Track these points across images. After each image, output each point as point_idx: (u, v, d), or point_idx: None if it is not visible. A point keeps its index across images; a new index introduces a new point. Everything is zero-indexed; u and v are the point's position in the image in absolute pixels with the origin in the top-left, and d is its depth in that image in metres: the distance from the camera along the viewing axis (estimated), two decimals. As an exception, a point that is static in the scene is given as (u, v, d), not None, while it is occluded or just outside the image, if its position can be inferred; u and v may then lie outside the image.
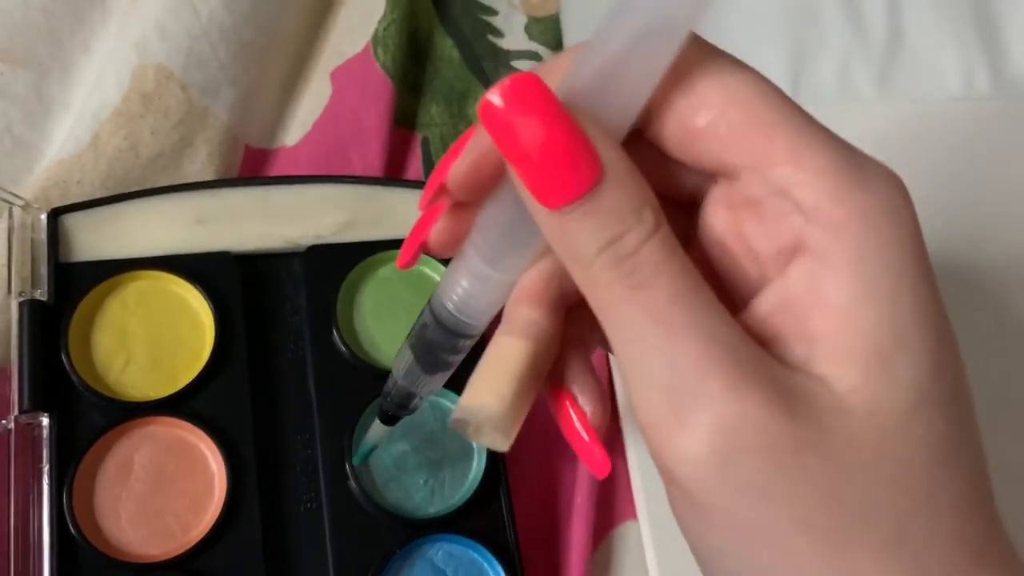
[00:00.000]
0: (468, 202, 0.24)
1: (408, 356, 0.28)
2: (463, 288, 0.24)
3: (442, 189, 0.23)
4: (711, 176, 0.22)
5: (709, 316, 0.20)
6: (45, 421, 0.34)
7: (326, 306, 0.38)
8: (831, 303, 0.20)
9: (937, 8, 0.54)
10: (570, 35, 0.49)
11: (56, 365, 0.34)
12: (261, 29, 0.44)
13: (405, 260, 0.26)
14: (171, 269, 0.37)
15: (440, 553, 0.35)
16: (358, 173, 0.43)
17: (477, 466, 0.37)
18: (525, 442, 0.38)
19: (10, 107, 0.41)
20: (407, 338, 0.28)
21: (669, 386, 0.20)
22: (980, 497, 0.20)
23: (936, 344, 0.20)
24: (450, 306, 0.25)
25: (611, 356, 0.42)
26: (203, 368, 0.36)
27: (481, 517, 0.36)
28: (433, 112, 0.47)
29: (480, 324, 0.25)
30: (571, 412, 0.25)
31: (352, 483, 0.35)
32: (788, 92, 0.55)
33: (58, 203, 0.37)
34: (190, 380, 0.35)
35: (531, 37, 0.50)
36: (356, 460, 0.35)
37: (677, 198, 0.23)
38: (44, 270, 0.36)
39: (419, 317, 0.27)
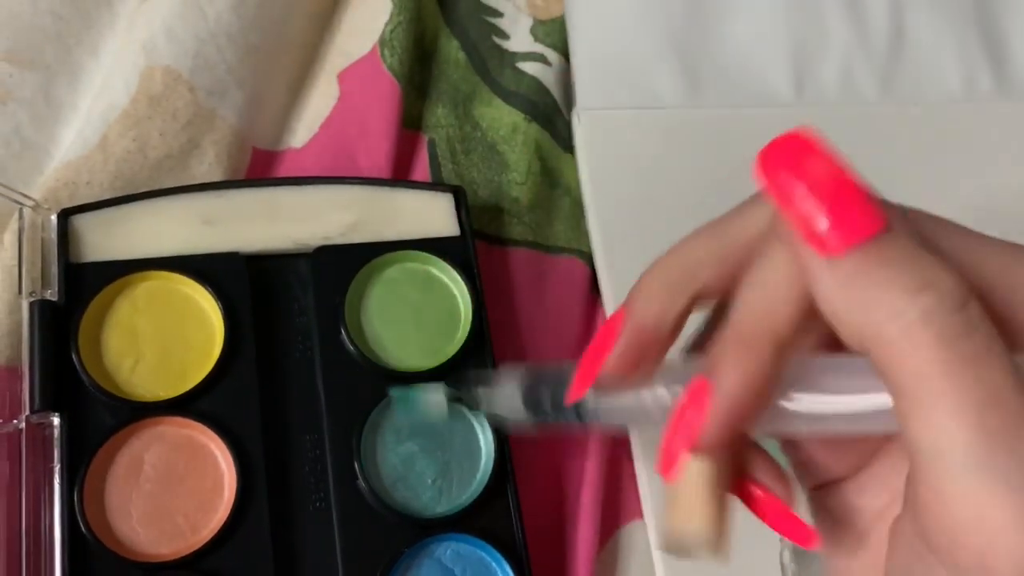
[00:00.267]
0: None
1: (516, 390, 0.27)
2: (627, 396, 0.24)
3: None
4: None
5: None
6: (56, 421, 0.34)
7: (334, 306, 0.38)
8: None
9: (939, 10, 0.54)
10: (575, 37, 0.50)
11: (66, 365, 0.34)
12: (268, 32, 0.44)
13: (578, 393, 0.25)
14: (180, 270, 0.37)
15: (448, 552, 0.36)
16: (365, 174, 0.44)
17: (485, 466, 0.37)
18: (532, 443, 0.39)
19: (19, 109, 0.41)
20: (529, 370, 0.27)
21: (1013, 485, 0.17)
22: None
23: None
24: (601, 404, 0.24)
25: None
26: (212, 368, 0.36)
27: (489, 516, 0.36)
28: (439, 114, 0.47)
29: (602, 423, 0.25)
30: (765, 498, 0.24)
31: (360, 482, 0.35)
32: (791, 94, 0.55)
33: (67, 204, 0.37)
34: (199, 380, 0.36)
35: (536, 39, 0.50)
36: (398, 396, 0.34)
37: None
38: (54, 270, 0.36)
39: (555, 370, 0.26)
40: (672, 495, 0.24)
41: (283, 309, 0.39)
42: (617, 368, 0.23)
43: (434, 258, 0.40)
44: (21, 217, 0.36)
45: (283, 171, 0.45)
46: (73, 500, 0.33)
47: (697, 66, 0.50)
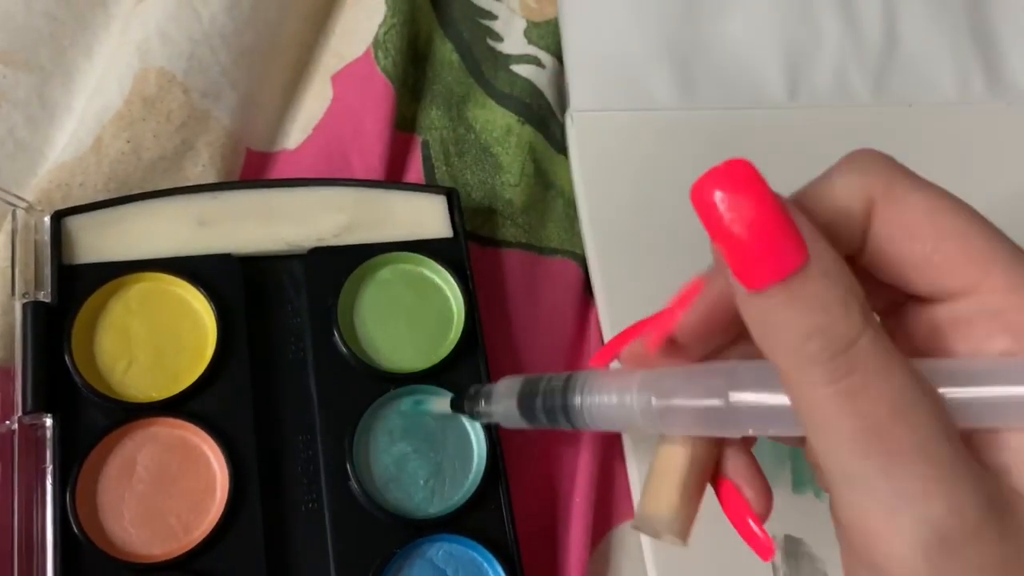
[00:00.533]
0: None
1: (512, 401, 0.30)
2: (611, 400, 0.26)
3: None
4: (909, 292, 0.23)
5: (932, 432, 0.20)
6: (48, 422, 0.34)
7: (327, 308, 0.38)
8: None
9: (933, 12, 0.54)
10: (569, 39, 0.50)
11: (59, 366, 0.34)
12: (262, 33, 0.45)
13: (602, 362, 0.28)
14: (173, 271, 0.37)
15: (440, 553, 0.36)
16: (359, 176, 0.44)
17: (477, 467, 0.37)
18: (524, 443, 0.39)
19: (12, 110, 0.41)
20: (524, 381, 0.30)
21: (888, 503, 0.19)
22: None
23: None
24: (586, 407, 0.27)
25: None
26: (205, 369, 0.36)
27: (481, 517, 0.36)
28: (433, 116, 0.47)
29: (592, 427, 0.27)
30: (733, 498, 0.26)
31: (353, 483, 0.35)
32: (785, 96, 0.55)
33: (61, 205, 0.37)
34: (192, 381, 0.36)
35: (530, 41, 0.50)
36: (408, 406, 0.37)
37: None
38: (47, 272, 0.36)
39: (547, 379, 0.29)
40: (648, 478, 0.26)
41: (276, 310, 0.39)
42: (639, 357, 0.25)
43: (427, 260, 0.40)
44: (14, 218, 0.36)
45: (277, 173, 0.45)
46: (65, 501, 0.33)
47: (690, 68, 0.50)
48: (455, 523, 0.36)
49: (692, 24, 0.51)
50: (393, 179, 0.45)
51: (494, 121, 0.47)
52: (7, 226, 0.37)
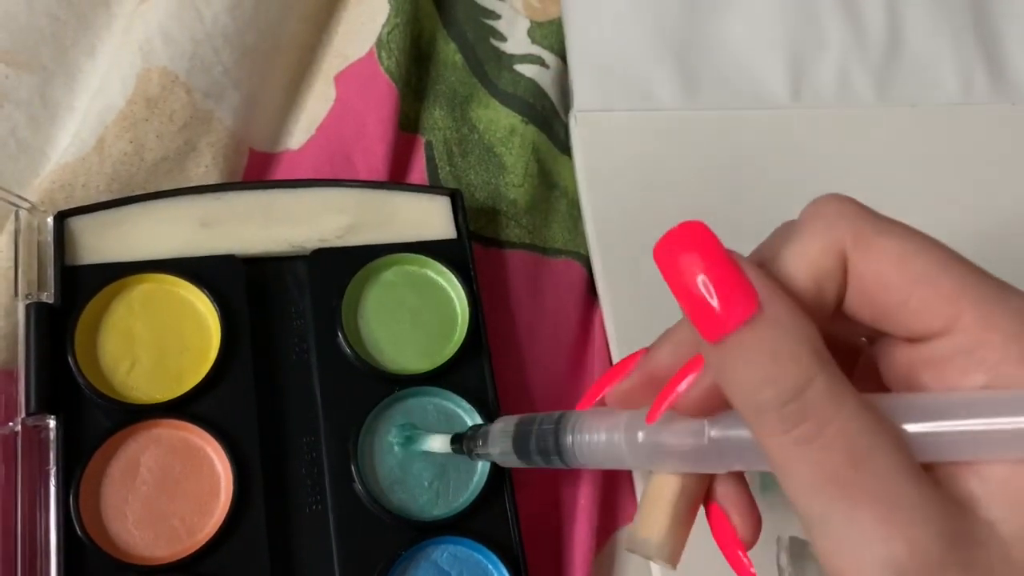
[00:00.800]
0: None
1: (508, 443, 0.31)
2: (600, 438, 0.27)
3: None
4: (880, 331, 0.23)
5: (891, 472, 0.20)
6: (52, 423, 0.34)
7: (330, 309, 0.38)
8: None
9: (936, 13, 0.54)
10: (572, 39, 0.50)
11: (62, 367, 0.34)
12: (265, 33, 0.44)
13: (588, 404, 0.29)
14: (177, 272, 0.37)
15: (445, 555, 0.36)
16: (362, 177, 0.44)
17: (481, 469, 0.37)
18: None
19: (15, 111, 0.41)
20: (518, 422, 0.31)
21: (851, 545, 0.20)
22: None
23: None
24: (577, 446, 0.28)
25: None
26: (209, 371, 0.36)
27: (485, 519, 0.36)
28: (436, 116, 0.47)
29: (585, 466, 0.28)
30: (721, 525, 0.26)
31: (357, 485, 0.35)
32: (788, 97, 0.55)
33: (63, 206, 0.37)
34: (196, 383, 0.35)
35: (534, 41, 0.50)
36: (399, 444, 0.37)
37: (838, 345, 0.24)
38: (50, 272, 0.36)
39: (539, 420, 0.30)
40: (641, 503, 0.27)
41: (280, 312, 0.39)
42: (624, 396, 0.26)
43: (431, 261, 0.40)
44: (17, 219, 0.36)
45: (280, 173, 0.45)
46: (69, 502, 0.33)
47: (694, 68, 0.50)
48: (460, 525, 0.36)
49: (696, 24, 0.51)
50: (396, 180, 0.45)
51: (498, 121, 0.47)
52: (10, 227, 0.37)
